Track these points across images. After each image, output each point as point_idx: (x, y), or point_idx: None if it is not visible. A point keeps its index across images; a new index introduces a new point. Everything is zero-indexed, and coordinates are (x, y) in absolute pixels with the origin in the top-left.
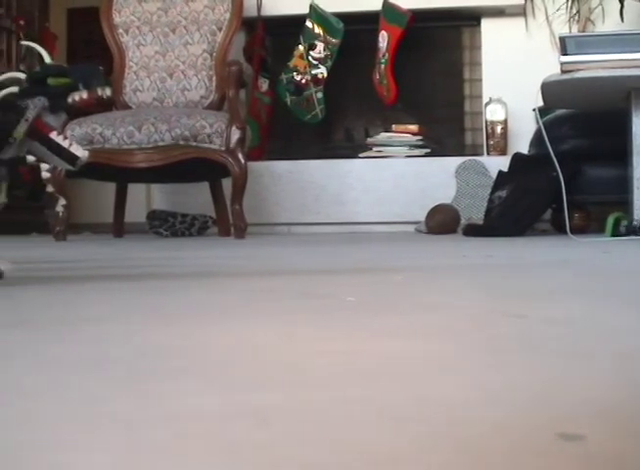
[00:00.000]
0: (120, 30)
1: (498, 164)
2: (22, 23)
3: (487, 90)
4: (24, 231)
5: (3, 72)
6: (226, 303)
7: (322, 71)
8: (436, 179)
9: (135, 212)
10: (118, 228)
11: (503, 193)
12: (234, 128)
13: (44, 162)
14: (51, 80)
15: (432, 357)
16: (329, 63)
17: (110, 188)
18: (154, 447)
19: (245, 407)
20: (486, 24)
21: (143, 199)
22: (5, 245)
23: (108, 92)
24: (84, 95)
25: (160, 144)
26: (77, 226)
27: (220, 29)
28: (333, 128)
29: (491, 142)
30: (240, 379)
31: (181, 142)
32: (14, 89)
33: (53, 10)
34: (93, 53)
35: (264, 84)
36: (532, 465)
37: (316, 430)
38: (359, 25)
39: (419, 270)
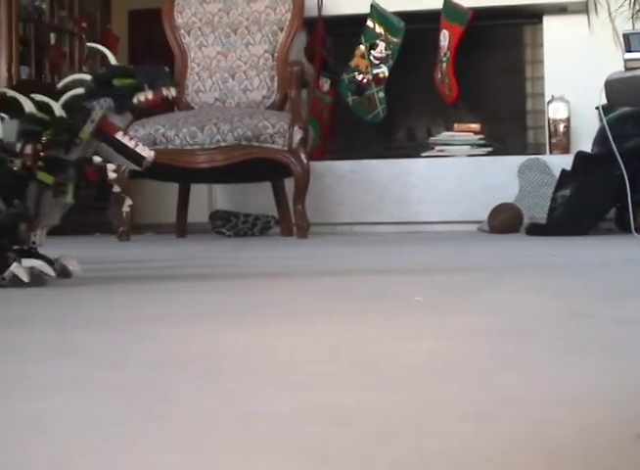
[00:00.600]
0: (182, 32)
1: (561, 162)
2: (84, 25)
3: (550, 88)
4: (88, 231)
5: (66, 74)
6: (295, 303)
7: (383, 71)
8: (499, 178)
9: (197, 213)
10: (181, 228)
11: (566, 192)
12: (296, 128)
13: (110, 162)
14: (116, 81)
15: (505, 357)
16: (390, 62)
17: (172, 188)
18: (234, 447)
19: (322, 407)
20: (548, 22)
21: (205, 199)
22: (71, 245)
23: (173, 92)
24: (149, 95)
25: (223, 144)
26: (140, 227)
27: (281, 30)
28: (395, 128)
29: (554, 140)
30: (315, 378)
31: (243, 142)
32: (80, 91)
33: (115, 12)
34: (154, 54)
35: (326, 84)
36: (611, 466)
37: (396, 429)
38: (420, 24)
39: (484, 270)
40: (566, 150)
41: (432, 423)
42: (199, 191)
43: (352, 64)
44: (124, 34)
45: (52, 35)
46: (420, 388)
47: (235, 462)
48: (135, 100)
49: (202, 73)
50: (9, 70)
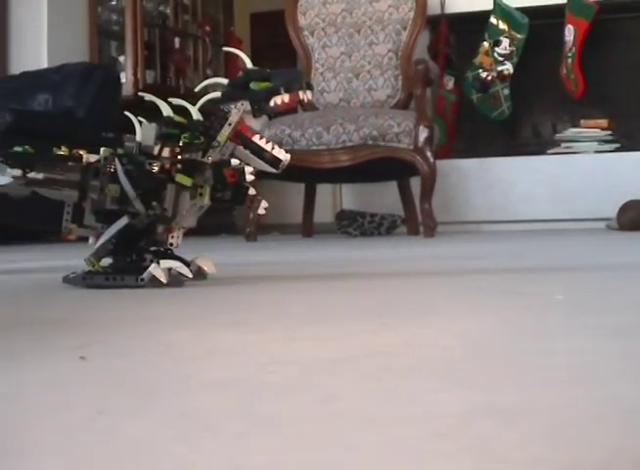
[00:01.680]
0: (306, 33)
1: None
2: (207, 28)
3: None
4: (214, 232)
5: (191, 77)
6: (434, 302)
7: (508, 68)
8: (628, 174)
9: (322, 213)
10: (308, 228)
11: None
12: (422, 127)
13: (248, 165)
14: (253, 85)
15: None
16: (514, 59)
17: (297, 189)
18: (402, 446)
19: (489, 406)
20: None
21: (330, 199)
22: (200, 246)
23: (309, 95)
24: (286, 99)
25: (349, 144)
26: (266, 227)
27: (405, 28)
28: (520, 125)
29: None
30: (475, 377)
31: (369, 142)
32: (217, 94)
33: (237, 15)
34: (276, 56)
35: (450, 82)
36: None
37: (566, 429)
38: (544, 20)
39: (621, 268)
40: None
41: (600, 422)
42: (323, 191)
43: (476, 61)
44: (247, 36)
45: (176, 39)
46: (580, 387)
47: (409, 461)
48: (272, 103)
49: (326, 74)
50: (135, 74)
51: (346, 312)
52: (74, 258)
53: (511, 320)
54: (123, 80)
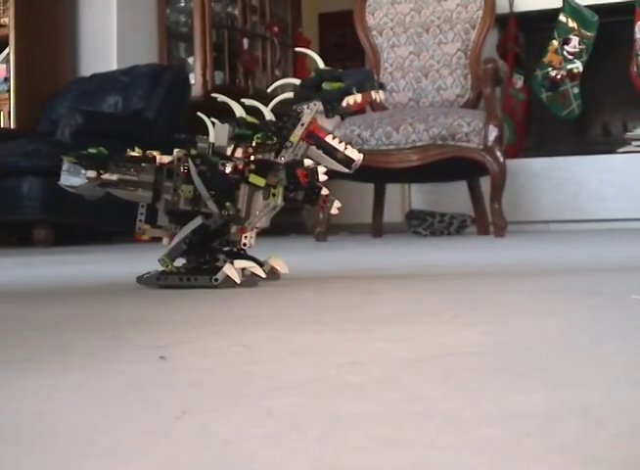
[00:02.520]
0: (374, 32)
1: None
2: (275, 29)
3: None
4: (284, 232)
5: (260, 78)
6: (511, 301)
7: (577, 66)
8: None
9: (390, 212)
10: (377, 228)
11: None
12: (491, 126)
13: (320, 165)
14: (325, 85)
15: None
16: (584, 57)
17: (366, 189)
18: (491, 446)
19: (573, 406)
20: None
21: (398, 199)
22: (271, 246)
23: (381, 95)
24: (358, 99)
25: (418, 144)
26: (335, 227)
27: (474, 27)
28: (589, 124)
29: None
30: (559, 377)
31: (439, 141)
32: (289, 95)
33: (305, 15)
34: (344, 56)
35: (519, 81)
36: None
37: None
38: (614, 17)
39: None
40: None
41: None
42: (392, 191)
43: (545, 60)
44: (315, 37)
45: (244, 40)
46: None
47: (499, 461)
48: (344, 103)
49: (395, 74)
50: (204, 75)
51: (423, 312)
52: (148, 259)
53: (590, 320)
54: (192, 82)
